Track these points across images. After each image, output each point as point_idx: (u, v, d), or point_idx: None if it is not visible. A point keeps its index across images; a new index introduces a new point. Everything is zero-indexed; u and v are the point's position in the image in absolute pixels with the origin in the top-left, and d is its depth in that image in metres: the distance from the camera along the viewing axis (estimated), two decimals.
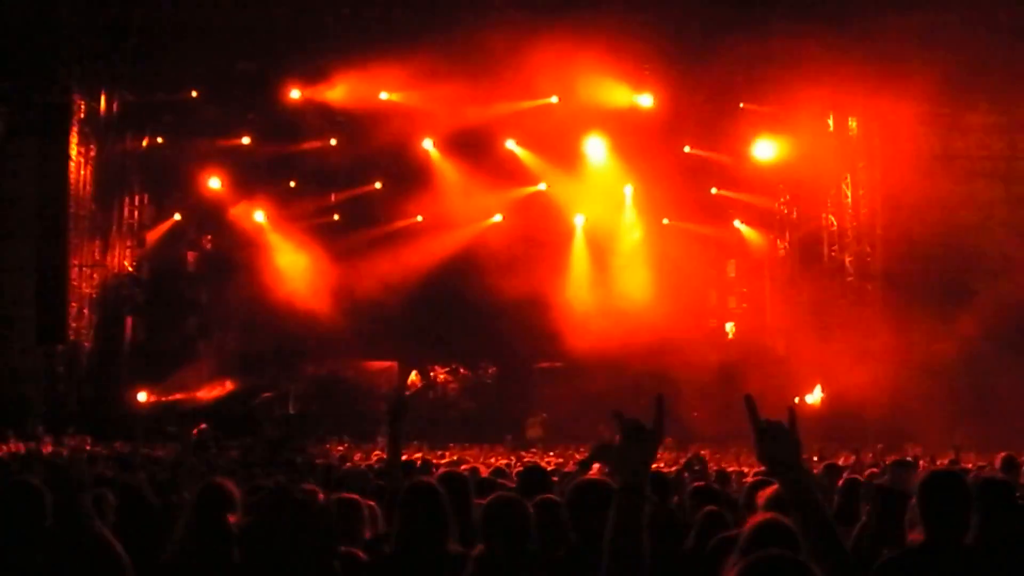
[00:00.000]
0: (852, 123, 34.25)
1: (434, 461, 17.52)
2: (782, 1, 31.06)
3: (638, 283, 33.51)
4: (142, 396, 32.59)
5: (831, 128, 34.45)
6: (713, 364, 35.14)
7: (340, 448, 25.41)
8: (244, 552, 6.04)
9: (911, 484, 7.46)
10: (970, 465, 15.59)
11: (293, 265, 34.83)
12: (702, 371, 34.77)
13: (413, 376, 35.16)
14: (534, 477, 9.41)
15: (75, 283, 32.37)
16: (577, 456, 22.19)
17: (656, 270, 33.96)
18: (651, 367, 33.65)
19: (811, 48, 30.58)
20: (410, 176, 35.37)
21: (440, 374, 35.00)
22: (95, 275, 33.38)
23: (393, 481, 7.82)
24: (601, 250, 35.31)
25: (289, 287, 34.07)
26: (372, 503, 8.41)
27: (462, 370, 34.93)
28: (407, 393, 28.24)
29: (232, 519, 6.27)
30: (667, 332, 32.06)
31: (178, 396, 32.86)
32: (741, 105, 34.12)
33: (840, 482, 10.10)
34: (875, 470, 13.21)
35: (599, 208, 36.46)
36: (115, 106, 33.60)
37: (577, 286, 34.44)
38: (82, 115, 32.52)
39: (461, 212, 36.01)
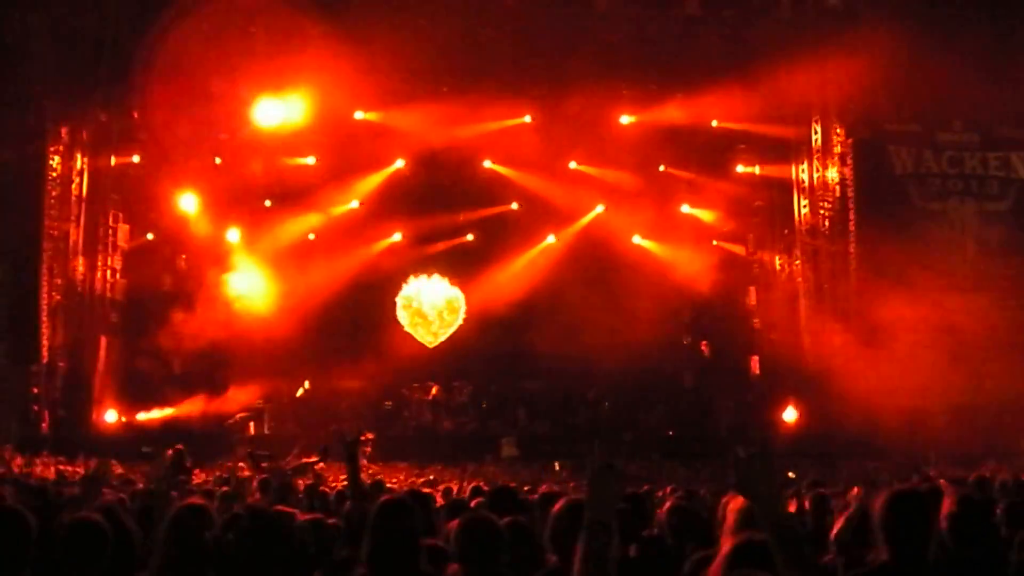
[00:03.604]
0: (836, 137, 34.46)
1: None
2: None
3: (613, 301, 33.51)
4: (111, 416, 32.43)
5: (837, 141, 34.52)
6: (688, 383, 35.27)
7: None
8: (221, 573, 6.04)
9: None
10: (943, 483, 15.62)
11: (268, 285, 34.77)
12: (677, 389, 34.91)
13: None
14: (504, 497, 9.43)
15: (49, 303, 32.31)
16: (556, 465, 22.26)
17: (630, 289, 34.00)
18: (626, 385, 33.81)
19: (783, 65, 30.86)
20: (388, 195, 35.46)
21: (416, 393, 34.95)
22: (69, 295, 33.28)
23: (357, 504, 7.83)
24: (574, 269, 35.25)
25: (264, 307, 34.01)
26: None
27: (436, 389, 34.85)
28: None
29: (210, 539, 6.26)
30: (642, 350, 32.11)
31: (152, 417, 32.72)
32: (714, 123, 34.30)
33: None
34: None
35: (571, 227, 36.56)
36: (90, 125, 33.53)
37: (550, 305, 34.37)
38: (58, 135, 32.54)
39: (437, 231, 36.18)
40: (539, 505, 9.32)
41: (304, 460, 25.91)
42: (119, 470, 22.56)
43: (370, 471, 25.00)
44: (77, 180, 33.34)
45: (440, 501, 12.25)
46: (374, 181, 35.59)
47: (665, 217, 35.76)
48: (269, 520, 6.36)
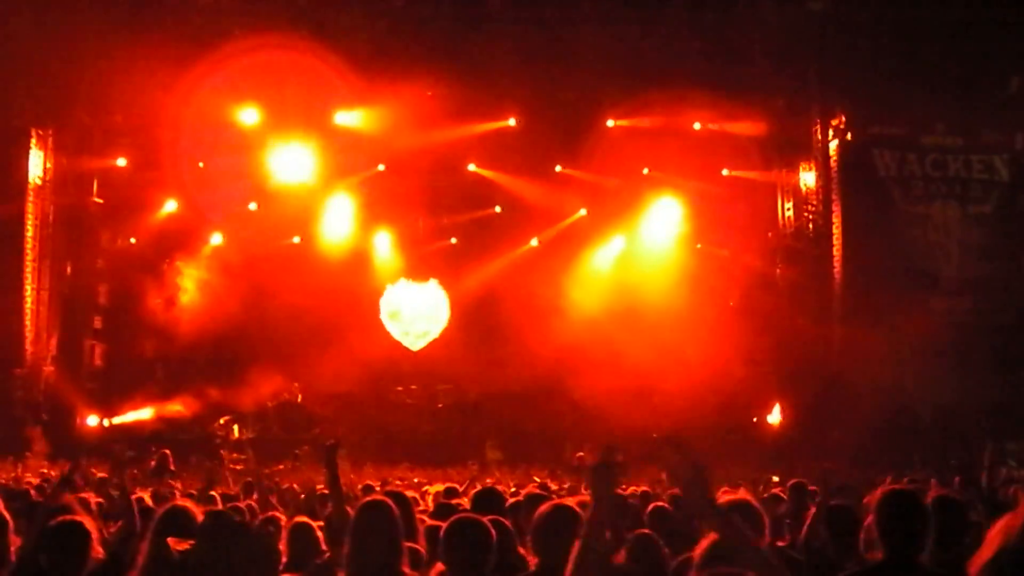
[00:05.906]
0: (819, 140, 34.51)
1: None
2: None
3: (598, 307, 33.54)
4: (92, 420, 32.39)
5: (821, 144, 34.49)
6: (672, 385, 35.22)
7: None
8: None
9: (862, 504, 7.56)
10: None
11: (251, 288, 34.63)
12: (662, 392, 34.85)
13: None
14: (488, 499, 9.41)
15: (33, 307, 32.23)
16: (536, 478, 22.22)
17: (615, 294, 34.05)
18: (611, 390, 33.74)
19: (767, 69, 30.91)
20: (372, 198, 35.37)
21: (400, 397, 34.94)
22: (53, 299, 33.19)
23: (337, 508, 7.82)
24: (556, 273, 35.21)
25: (247, 310, 33.86)
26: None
27: (417, 391, 34.85)
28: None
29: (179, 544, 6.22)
30: (627, 356, 32.10)
31: (135, 420, 32.66)
32: (696, 126, 34.30)
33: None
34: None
35: (554, 228, 36.54)
36: (74, 128, 33.47)
37: (534, 307, 34.30)
38: (41, 137, 32.49)
39: (421, 234, 36.20)
40: (524, 507, 9.31)
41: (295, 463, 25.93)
42: (101, 473, 22.45)
43: (351, 476, 24.94)
44: (60, 183, 33.28)
45: (424, 505, 12.23)
46: (357, 184, 35.52)
47: (649, 220, 35.80)
48: (232, 525, 6.31)
